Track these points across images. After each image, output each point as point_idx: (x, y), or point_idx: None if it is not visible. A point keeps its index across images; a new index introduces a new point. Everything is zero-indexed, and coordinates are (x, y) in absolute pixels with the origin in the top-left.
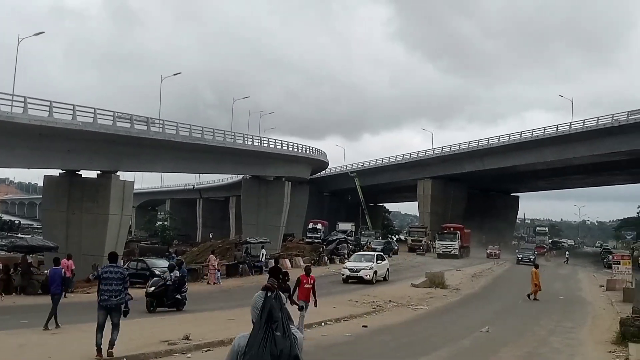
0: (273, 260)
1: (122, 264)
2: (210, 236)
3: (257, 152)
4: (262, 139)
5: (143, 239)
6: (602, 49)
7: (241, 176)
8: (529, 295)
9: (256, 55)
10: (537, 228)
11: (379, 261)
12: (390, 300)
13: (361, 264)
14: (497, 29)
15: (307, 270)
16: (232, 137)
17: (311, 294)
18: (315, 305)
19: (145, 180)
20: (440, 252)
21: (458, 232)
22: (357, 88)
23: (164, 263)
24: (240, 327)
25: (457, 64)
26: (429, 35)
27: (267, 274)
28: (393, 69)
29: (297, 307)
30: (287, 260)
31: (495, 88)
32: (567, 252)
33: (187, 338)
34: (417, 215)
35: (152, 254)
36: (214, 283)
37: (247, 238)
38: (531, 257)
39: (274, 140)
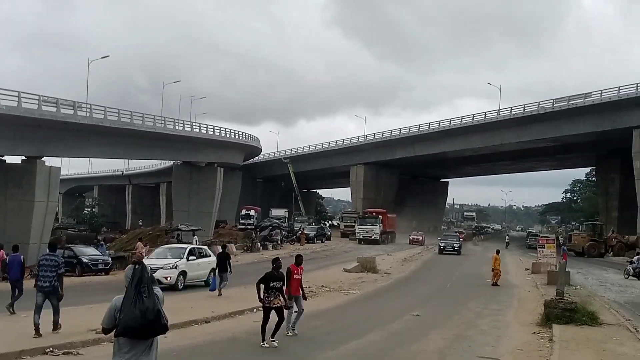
0: (221, 247)
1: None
2: (140, 223)
3: (188, 138)
4: (194, 124)
5: (70, 226)
6: (534, 39)
7: (172, 162)
8: (494, 283)
9: (190, 39)
10: (465, 213)
11: (191, 257)
12: (322, 286)
13: (162, 261)
14: (433, 16)
15: (298, 260)
16: (163, 122)
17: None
18: (305, 298)
19: (73, 166)
20: (361, 237)
21: (379, 216)
22: (294, 74)
23: (92, 251)
24: (171, 314)
25: (393, 51)
26: (366, 21)
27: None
28: (329, 55)
29: (286, 305)
30: (219, 247)
31: (429, 75)
32: (507, 237)
33: None
34: (350, 201)
35: (79, 241)
36: None
37: (178, 225)
38: (455, 245)
39: (205, 126)
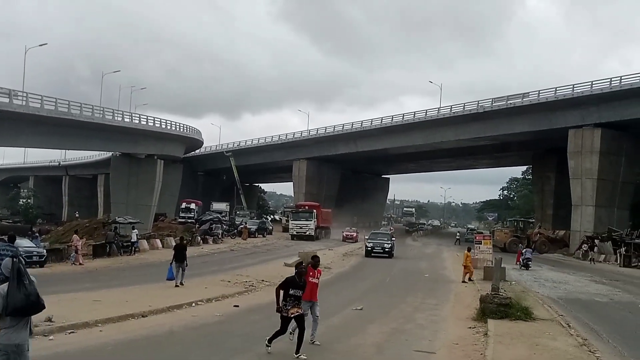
0: (178, 239)
1: None
2: (77, 215)
3: (127, 129)
4: (134, 115)
5: (4, 218)
6: (480, 39)
7: (111, 153)
8: (464, 281)
9: (134, 29)
10: (405, 209)
11: None
12: (263, 280)
13: None
14: (382, 14)
15: (315, 261)
16: (101, 112)
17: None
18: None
19: (8, 156)
20: (294, 232)
21: (314, 210)
22: (240, 67)
23: (26, 243)
24: (108, 308)
25: (341, 47)
26: (314, 16)
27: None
28: (277, 49)
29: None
30: (158, 241)
31: (376, 72)
32: (457, 233)
33: (49, 320)
34: (293, 195)
35: (13, 233)
36: (80, 263)
37: (116, 217)
38: (386, 245)
39: (146, 117)
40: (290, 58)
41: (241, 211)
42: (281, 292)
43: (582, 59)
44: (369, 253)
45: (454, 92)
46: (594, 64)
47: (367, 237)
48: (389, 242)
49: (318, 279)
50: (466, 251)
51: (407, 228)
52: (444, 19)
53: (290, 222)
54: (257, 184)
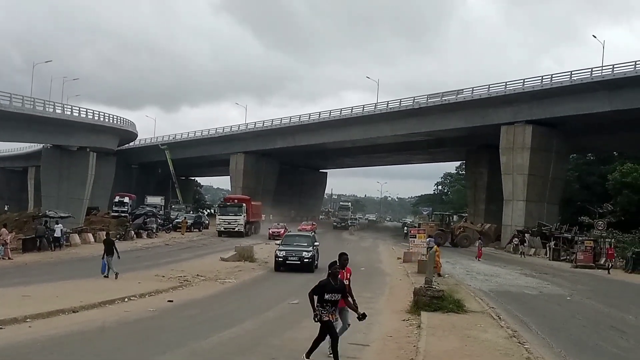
0: (105, 233)
1: None
2: (6, 208)
3: (59, 120)
4: (66, 106)
5: None
6: (422, 35)
7: (42, 145)
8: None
9: (70, 19)
10: (341, 203)
11: None
12: (198, 275)
13: None
14: (326, 8)
15: (342, 260)
16: (32, 103)
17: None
18: (360, 316)
19: None
20: (222, 228)
21: (243, 204)
22: (179, 59)
23: None
24: (37, 304)
25: (283, 41)
26: (257, 9)
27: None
28: (217, 41)
29: (358, 317)
30: (90, 235)
31: (318, 67)
32: (405, 228)
33: None
34: (230, 189)
35: None
36: (9, 258)
37: (47, 211)
38: (305, 254)
39: (78, 108)
40: (231, 51)
41: (177, 205)
42: (315, 297)
43: (518, 58)
44: (280, 265)
45: (395, 88)
46: (529, 63)
47: (277, 244)
48: (309, 249)
49: (349, 279)
50: (436, 246)
51: (335, 224)
52: (388, 15)
53: (217, 217)
54: (193, 178)
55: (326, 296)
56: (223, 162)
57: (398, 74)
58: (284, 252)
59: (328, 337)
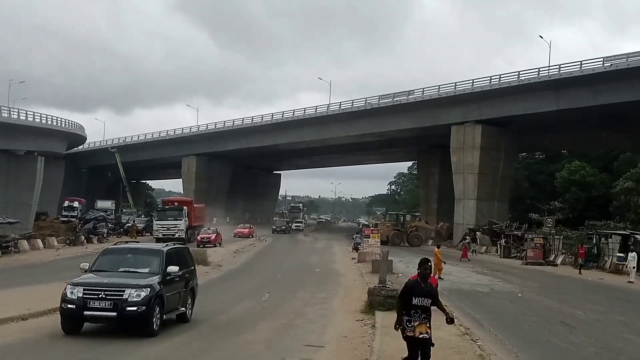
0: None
1: None
2: None
3: (4, 124)
4: (12, 109)
5: None
6: (379, 37)
7: None
8: (440, 277)
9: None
10: (292, 204)
11: None
12: None
13: None
14: (282, 8)
15: (423, 270)
16: None
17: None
18: (450, 320)
19: None
20: (160, 235)
21: (184, 208)
22: (131, 60)
23: None
24: None
25: (239, 41)
26: (212, 9)
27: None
28: (171, 42)
29: (447, 319)
30: (39, 241)
31: (274, 67)
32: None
33: None
34: (182, 192)
35: None
36: None
37: None
38: (134, 297)
39: (25, 111)
40: (185, 51)
41: (128, 209)
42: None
43: (472, 58)
44: (71, 321)
45: (351, 89)
46: (482, 63)
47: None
48: (150, 281)
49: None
50: (436, 248)
51: (275, 227)
52: (345, 15)
53: (155, 222)
54: (144, 181)
55: (414, 301)
56: (175, 164)
57: (354, 75)
58: (83, 290)
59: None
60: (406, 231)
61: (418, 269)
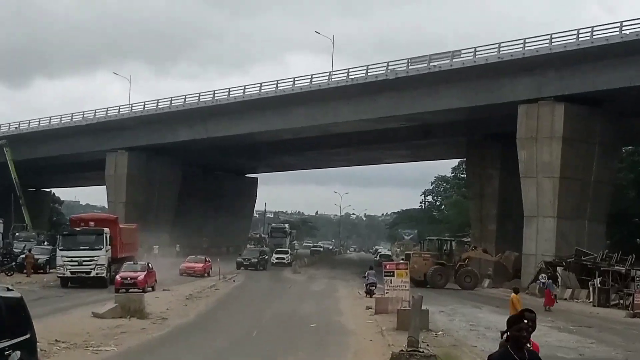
0: None
1: None
2: None
3: None
4: None
5: None
6: None
7: None
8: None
9: None
10: (273, 225)
11: None
12: (57, 340)
13: None
14: None
15: (516, 329)
16: None
17: None
18: None
19: None
20: (68, 273)
21: (105, 230)
22: (31, 6)
23: None
24: None
25: None
26: None
27: None
28: None
29: None
30: None
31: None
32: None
33: None
34: (107, 206)
35: None
36: None
37: None
38: None
39: None
40: None
41: (23, 232)
42: None
43: (551, 2)
44: None
45: (365, 49)
46: (567, 11)
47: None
48: None
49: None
50: (513, 294)
51: (242, 260)
52: None
53: (59, 253)
54: (49, 190)
55: None
56: (96, 163)
57: (369, 28)
58: None
59: None
60: (454, 266)
61: (507, 331)
